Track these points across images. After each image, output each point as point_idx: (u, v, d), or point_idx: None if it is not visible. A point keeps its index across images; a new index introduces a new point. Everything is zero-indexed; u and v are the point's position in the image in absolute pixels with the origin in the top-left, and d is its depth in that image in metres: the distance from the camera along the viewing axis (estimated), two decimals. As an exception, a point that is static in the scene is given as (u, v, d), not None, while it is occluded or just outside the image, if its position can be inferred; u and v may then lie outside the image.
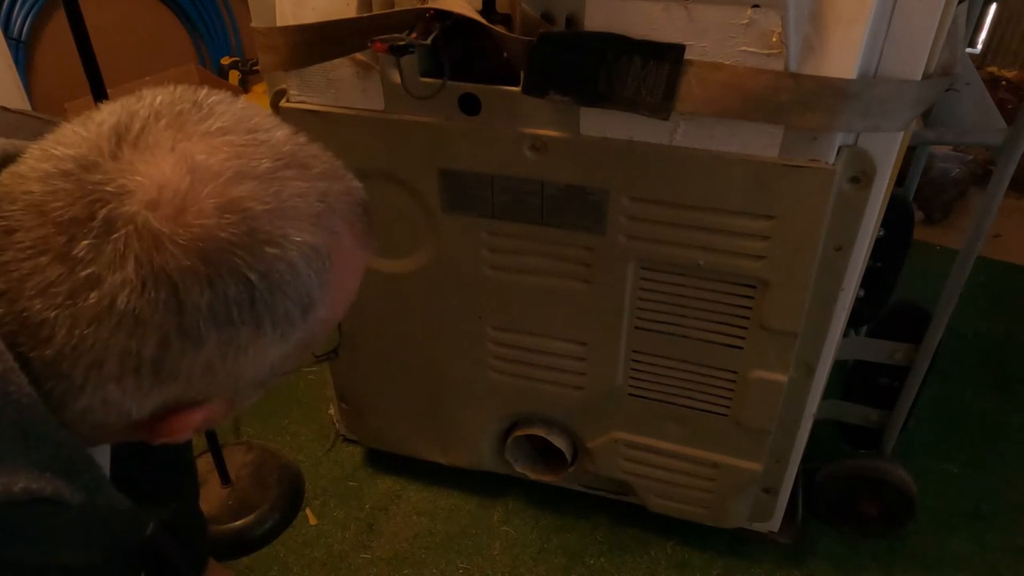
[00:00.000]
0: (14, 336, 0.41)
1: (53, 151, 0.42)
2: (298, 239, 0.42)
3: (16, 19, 2.25)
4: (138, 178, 0.40)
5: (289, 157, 0.44)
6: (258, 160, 0.42)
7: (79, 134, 0.42)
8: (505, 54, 0.86)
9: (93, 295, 0.39)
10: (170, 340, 0.41)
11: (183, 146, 0.41)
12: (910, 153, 1.49)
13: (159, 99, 0.43)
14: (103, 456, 0.64)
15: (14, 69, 1.94)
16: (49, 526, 0.45)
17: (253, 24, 1.02)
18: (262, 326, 0.43)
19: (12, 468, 0.42)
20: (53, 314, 0.40)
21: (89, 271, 0.39)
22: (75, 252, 0.39)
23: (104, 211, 0.39)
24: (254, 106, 0.46)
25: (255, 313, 0.42)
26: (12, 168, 0.43)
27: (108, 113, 0.43)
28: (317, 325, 0.47)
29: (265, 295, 0.42)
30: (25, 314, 0.40)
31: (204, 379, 0.44)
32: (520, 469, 1.35)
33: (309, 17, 0.93)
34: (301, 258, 0.43)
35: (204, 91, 0.45)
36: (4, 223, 0.40)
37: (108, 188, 0.39)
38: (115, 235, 0.39)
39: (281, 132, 0.45)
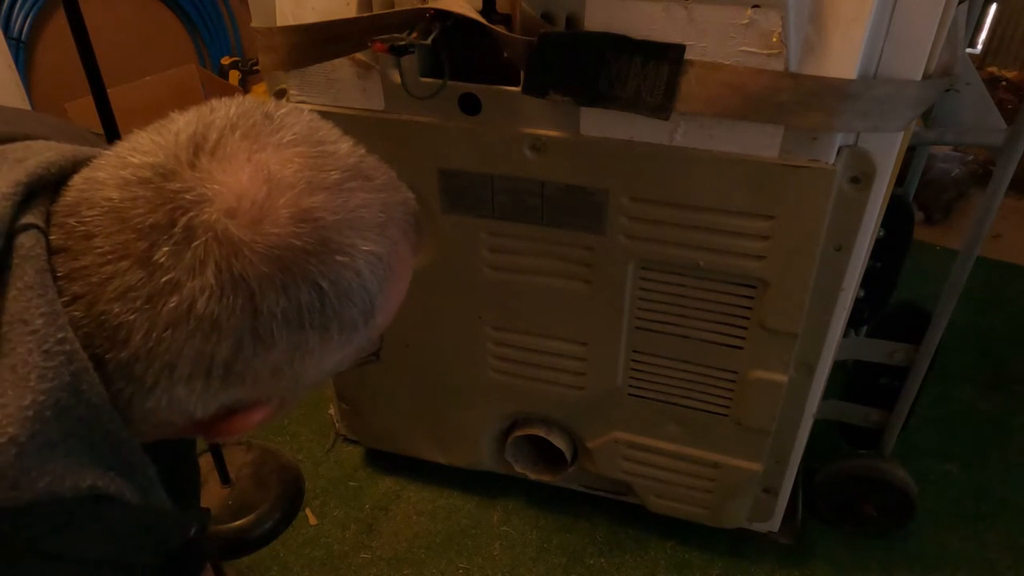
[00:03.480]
0: (90, 338, 0.42)
1: (130, 158, 0.43)
2: (365, 248, 0.44)
3: (16, 19, 2.25)
4: (216, 187, 0.41)
5: (354, 169, 0.46)
6: (327, 172, 0.44)
7: (156, 142, 0.43)
8: (505, 54, 0.86)
9: (172, 300, 0.40)
10: (243, 344, 0.42)
11: (258, 157, 0.43)
12: (910, 153, 1.49)
13: (232, 110, 0.45)
14: None
15: (14, 69, 1.93)
16: (111, 523, 0.47)
17: (253, 24, 1.02)
18: (329, 331, 0.45)
19: (80, 465, 0.43)
20: (132, 317, 0.41)
21: (169, 276, 0.40)
22: (156, 258, 0.40)
23: (184, 219, 0.40)
24: (318, 118, 0.48)
25: (324, 318, 0.44)
26: (87, 173, 0.44)
27: (184, 123, 0.44)
28: (374, 330, 0.49)
29: (334, 301, 0.44)
30: (103, 317, 0.41)
31: (269, 381, 0.46)
32: (520, 469, 1.35)
33: (309, 17, 0.93)
34: (367, 267, 0.45)
35: (272, 103, 0.47)
36: (83, 228, 0.41)
37: (187, 196, 0.41)
38: (195, 242, 0.40)
39: (345, 144, 0.47)
